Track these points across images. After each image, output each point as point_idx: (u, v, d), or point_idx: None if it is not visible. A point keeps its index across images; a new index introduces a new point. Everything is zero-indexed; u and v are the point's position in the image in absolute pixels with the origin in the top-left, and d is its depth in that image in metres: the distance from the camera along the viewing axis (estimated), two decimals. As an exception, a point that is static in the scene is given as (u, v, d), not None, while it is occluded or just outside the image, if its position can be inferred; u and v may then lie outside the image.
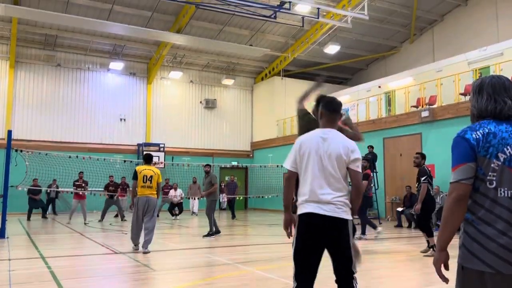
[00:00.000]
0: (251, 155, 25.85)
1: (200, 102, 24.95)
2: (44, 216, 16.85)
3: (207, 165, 11.63)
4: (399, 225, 14.14)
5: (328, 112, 3.42)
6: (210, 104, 24.93)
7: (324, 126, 3.40)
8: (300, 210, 3.23)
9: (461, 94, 15.06)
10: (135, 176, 8.30)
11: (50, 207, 18.57)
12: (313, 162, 3.23)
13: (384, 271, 6.73)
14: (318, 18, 17.87)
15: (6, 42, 20.43)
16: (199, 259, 7.66)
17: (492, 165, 2.04)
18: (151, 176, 8.28)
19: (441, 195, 13.49)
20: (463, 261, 2.07)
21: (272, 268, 6.70)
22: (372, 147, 16.03)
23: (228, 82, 25.02)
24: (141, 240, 8.21)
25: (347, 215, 3.17)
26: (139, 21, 19.82)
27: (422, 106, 16.24)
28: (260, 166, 22.40)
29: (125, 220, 15.63)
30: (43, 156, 16.61)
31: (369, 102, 19.12)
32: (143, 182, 8.24)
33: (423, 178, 8.11)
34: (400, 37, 23.05)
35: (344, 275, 3.20)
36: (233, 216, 17.76)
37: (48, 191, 17.83)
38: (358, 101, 19.78)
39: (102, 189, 16.61)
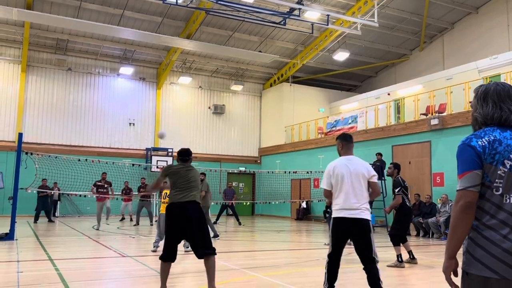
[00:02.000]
0: (258, 161, 25.84)
1: (209, 107, 25.04)
2: (50, 220, 16.82)
3: (202, 173, 11.75)
4: (407, 233, 14.02)
5: (346, 143, 4.83)
6: (218, 110, 25.00)
7: (346, 154, 4.78)
8: (336, 214, 4.62)
9: (471, 102, 14.96)
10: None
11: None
12: (345, 180, 4.57)
13: (391, 279, 6.67)
14: (327, 25, 17.89)
15: (19, 46, 20.69)
16: (206, 264, 7.65)
17: (498, 172, 2.04)
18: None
19: (450, 204, 13.38)
20: (467, 267, 2.05)
21: (279, 274, 6.68)
22: (380, 154, 15.97)
23: (237, 88, 25.10)
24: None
25: (368, 216, 4.57)
26: (150, 26, 19.99)
27: (432, 114, 16.15)
28: (268, 172, 22.37)
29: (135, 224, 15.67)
30: (53, 159, 16.74)
31: (378, 109, 19.06)
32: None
33: (397, 190, 8.00)
34: (410, 44, 23.00)
35: (368, 259, 4.51)
36: (238, 222, 17.43)
37: (52, 193, 17.73)
38: (367, 108, 19.73)
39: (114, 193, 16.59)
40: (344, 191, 4.55)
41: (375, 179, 4.69)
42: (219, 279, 6.16)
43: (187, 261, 8.18)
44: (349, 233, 4.58)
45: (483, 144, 2.08)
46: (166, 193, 7.91)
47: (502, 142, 2.08)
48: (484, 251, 2.01)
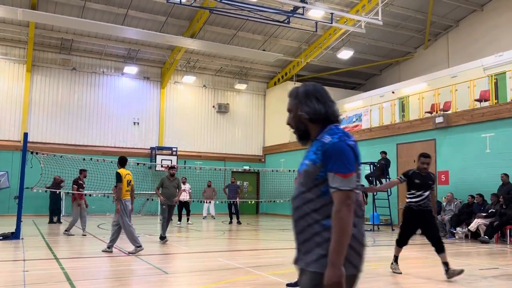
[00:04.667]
0: (263, 160, 25.85)
1: (213, 106, 25.06)
2: (57, 221, 16.67)
3: (172, 167, 11.94)
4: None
5: None
6: (222, 109, 25.02)
7: None
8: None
9: (476, 100, 14.90)
10: (120, 179, 8.83)
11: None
12: None
13: (396, 277, 6.66)
14: (331, 23, 17.85)
15: (24, 46, 20.78)
16: (211, 262, 7.67)
17: (359, 171, 2.12)
18: (130, 181, 9.04)
19: (455, 202, 13.34)
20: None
21: (284, 273, 6.68)
22: (385, 152, 15.93)
23: (241, 86, 25.10)
24: (123, 242, 8.25)
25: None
26: (154, 25, 20.02)
27: (436, 112, 16.09)
28: (272, 171, 22.38)
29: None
30: (58, 158, 16.81)
31: (382, 107, 19.01)
32: (127, 186, 8.94)
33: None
34: (414, 42, 22.91)
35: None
36: (238, 221, 17.19)
37: (57, 192, 17.54)
38: (371, 106, 19.69)
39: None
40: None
41: None
42: (223, 278, 6.16)
43: (191, 260, 8.21)
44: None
45: (354, 144, 2.11)
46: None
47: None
48: (350, 249, 1.99)
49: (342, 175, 1.99)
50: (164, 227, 10.65)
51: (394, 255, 7.04)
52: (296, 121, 2.26)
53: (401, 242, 7.06)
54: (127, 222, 8.63)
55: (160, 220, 11.44)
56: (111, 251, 8.60)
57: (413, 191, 6.93)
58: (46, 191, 16.01)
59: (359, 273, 2.03)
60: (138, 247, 8.45)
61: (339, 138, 2.07)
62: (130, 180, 9.08)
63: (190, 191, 17.68)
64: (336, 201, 1.98)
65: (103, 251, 8.60)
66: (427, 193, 6.87)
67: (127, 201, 8.85)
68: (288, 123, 2.33)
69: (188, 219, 16.78)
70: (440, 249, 6.64)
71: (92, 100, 22.30)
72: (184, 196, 16.71)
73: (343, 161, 2.02)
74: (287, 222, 19.32)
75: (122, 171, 8.97)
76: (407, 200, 7.05)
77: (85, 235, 11.72)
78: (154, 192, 20.65)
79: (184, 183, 17.24)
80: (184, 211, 16.81)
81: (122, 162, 9.25)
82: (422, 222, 6.88)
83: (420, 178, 6.92)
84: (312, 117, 2.18)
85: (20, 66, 20.90)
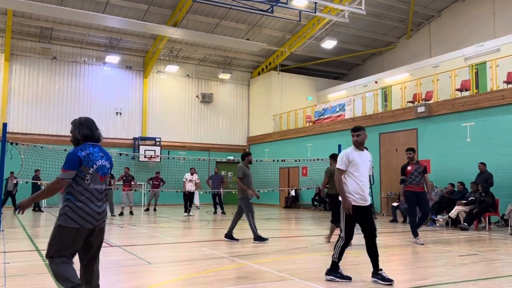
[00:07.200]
0: (247, 150, 25.83)
1: (197, 96, 24.91)
2: (38, 209, 16.69)
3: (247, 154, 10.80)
4: (394, 220, 14.21)
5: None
6: (206, 99, 24.89)
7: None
8: None
9: (457, 89, 15.10)
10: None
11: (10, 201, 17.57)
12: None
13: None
14: (315, 12, 17.82)
15: (1, 35, 20.30)
16: (195, 252, 7.67)
17: (89, 171, 3.65)
18: None
19: (436, 190, 13.56)
20: (63, 223, 3.57)
21: (268, 261, 6.72)
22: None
23: (225, 76, 24.98)
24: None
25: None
26: (136, 14, 19.72)
27: (418, 102, 16.27)
28: (256, 161, 22.39)
29: (114, 215, 15.54)
30: (39, 149, 16.53)
31: (365, 97, 19.14)
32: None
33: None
34: (397, 32, 23.06)
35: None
36: (222, 211, 17.15)
37: (38, 184, 17.09)
38: (354, 96, 19.80)
39: None
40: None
41: None
42: (208, 267, 6.18)
43: (175, 250, 8.20)
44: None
45: (84, 154, 3.67)
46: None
47: (94, 153, 3.74)
48: (72, 211, 3.58)
49: (63, 170, 3.59)
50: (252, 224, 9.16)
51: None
52: None
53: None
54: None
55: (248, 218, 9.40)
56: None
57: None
58: (27, 183, 15.79)
59: (80, 227, 3.59)
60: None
61: (73, 150, 3.69)
62: None
63: (198, 181, 17.16)
64: (54, 180, 3.62)
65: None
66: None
67: None
68: None
69: (189, 211, 16.43)
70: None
71: (73, 90, 21.95)
72: (191, 187, 16.56)
73: (66, 161, 3.62)
74: (271, 211, 19.42)
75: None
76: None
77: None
78: (138, 183, 20.54)
79: (192, 174, 16.95)
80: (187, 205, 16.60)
81: None
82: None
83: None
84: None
85: (-2, 55, 20.42)
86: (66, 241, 3.56)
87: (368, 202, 5.43)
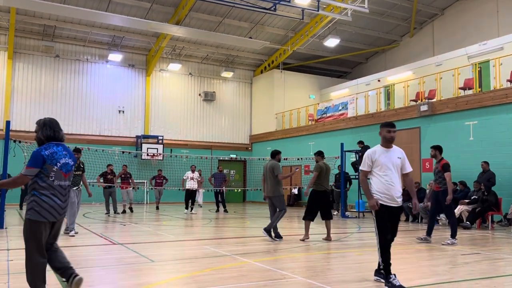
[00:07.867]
0: (249, 148, 25.86)
1: (199, 94, 24.92)
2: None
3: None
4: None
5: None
6: (209, 97, 24.89)
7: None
8: None
9: (461, 88, 15.05)
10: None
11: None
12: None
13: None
14: (318, 10, 17.81)
15: (5, 33, 20.34)
16: (198, 250, 7.69)
17: (53, 168, 3.90)
18: None
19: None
20: (32, 217, 3.86)
21: (270, 260, 6.73)
22: (362, 142, 15.66)
23: (227, 74, 24.97)
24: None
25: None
26: (138, 12, 19.73)
27: (421, 100, 16.23)
28: (259, 159, 22.40)
29: (118, 213, 15.55)
30: (42, 147, 16.55)
31: (368, 95, 19.11)
32: None
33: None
34: (400, 30, 23.00)
35: None
36: (224, 209, 17.06)
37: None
38: (357, 94, 19.77)
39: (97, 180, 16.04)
40: None
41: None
42: (210, 265, 6.19)
43: (178, 248, 8.21)
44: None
45: (48, 153, 3.90)
46: None
47: (57, 152, 3.96)
48: (40, 206, 3.85)
49: (27, 167, 3.82)
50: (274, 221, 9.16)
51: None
52: None
53: None
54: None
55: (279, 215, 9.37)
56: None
57: None
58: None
59: (46, 221, 3.89)
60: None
61: (38, 149, 3.89)
62: None
63: (199, 179, 17.05)
64: (18, 175, 3.91)
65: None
66: None
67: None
68: None
69: (192, 209, 16.36)
70: None
71: (76, 88, 21.99)
72: (193, 185, 16.41)
73: (31, 160, 3.85)
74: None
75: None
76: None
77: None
78: (141, 181, 20.57)
79: (193, 171, 16.85)
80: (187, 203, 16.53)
81: None
82: None
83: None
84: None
85: (1, 53, 20.49)
86: (38, 235, 3.86)
87: (398, 203, 5.07)
